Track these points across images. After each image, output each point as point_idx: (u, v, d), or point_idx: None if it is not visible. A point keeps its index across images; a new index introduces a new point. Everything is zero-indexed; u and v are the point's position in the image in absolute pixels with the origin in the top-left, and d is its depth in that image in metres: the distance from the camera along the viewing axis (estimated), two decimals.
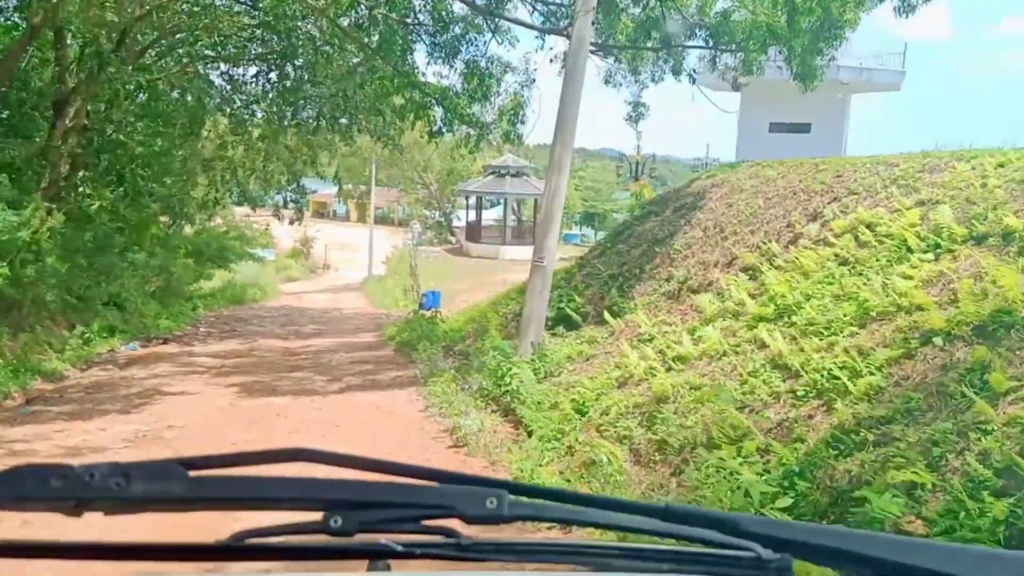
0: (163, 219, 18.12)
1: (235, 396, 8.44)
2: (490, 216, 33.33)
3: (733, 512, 1.21)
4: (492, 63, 11.70)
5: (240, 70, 16.04)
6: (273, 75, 15.36)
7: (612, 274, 8.79)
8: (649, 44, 10.99)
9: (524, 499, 0.67)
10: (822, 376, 4.80)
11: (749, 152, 17.62)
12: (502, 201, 31.45)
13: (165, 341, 12.63)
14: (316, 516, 0.65)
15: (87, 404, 7.93)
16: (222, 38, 14.34)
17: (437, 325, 11.90)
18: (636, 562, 0.69)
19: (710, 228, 8.02)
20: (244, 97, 16.29)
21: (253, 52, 14.98)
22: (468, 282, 25.01)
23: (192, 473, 0.65)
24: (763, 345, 5.54)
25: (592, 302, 8.68)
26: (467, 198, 31.13)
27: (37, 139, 12.03)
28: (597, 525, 0.71)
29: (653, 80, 13.86)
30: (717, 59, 12.48)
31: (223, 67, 15.93)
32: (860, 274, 5.84)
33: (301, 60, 13.89)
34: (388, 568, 0.75)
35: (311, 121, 15.58)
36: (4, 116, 12.01)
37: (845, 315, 5.35)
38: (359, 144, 21.86)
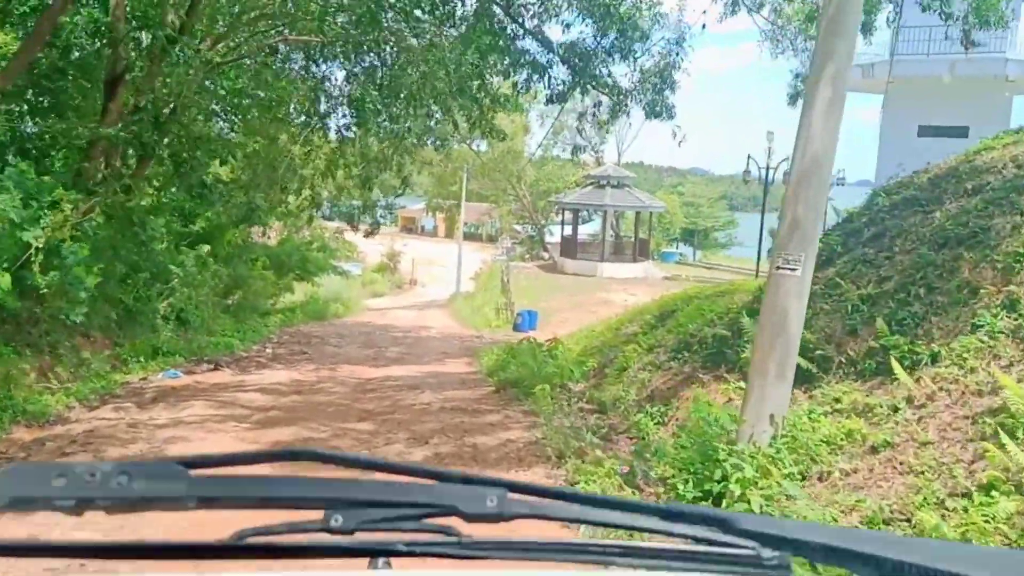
0: (242, 226, 15.79)
1: (271, 467, 5.25)
2: (584, 231, 29.75)
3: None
4: (637, 8, 8.24)
5: (324, 66, 13.36)
6: (359, 68, 12.56)
7: (866, 295, 5.12)
8: None
9: (524, 497, 0.64)
10: None
11: (894, 158, 13.68)
12: (598, 215, 27.93)
13: (216, 366, 9.75)
14: (317, 515, 0.62)
15: None
16: (304, 19, 11.55)
17: (556, 358, 8.43)
18: (636, 560, 0.66)
19: None
20: (327, 93, 13.56)
21: (339, 40, 12.05)
22: (564, 301, 21.54)
23: (193, 472, 0.62)
24: None
25: (833, 339, 5.03)
26: (562, 211, 27.72)
27: (73, 119, 9.52)
28: (597, 523, 0.68)
29: None
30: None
31: (305, 60, 13.26)
32: None
33: (391, 45, 11.00)
34: (389, 566, 0.73)
35: (399, 120, 12.58)
36: (40, 88, 9.53)
37: None
38: (450, 148, 19.06)
